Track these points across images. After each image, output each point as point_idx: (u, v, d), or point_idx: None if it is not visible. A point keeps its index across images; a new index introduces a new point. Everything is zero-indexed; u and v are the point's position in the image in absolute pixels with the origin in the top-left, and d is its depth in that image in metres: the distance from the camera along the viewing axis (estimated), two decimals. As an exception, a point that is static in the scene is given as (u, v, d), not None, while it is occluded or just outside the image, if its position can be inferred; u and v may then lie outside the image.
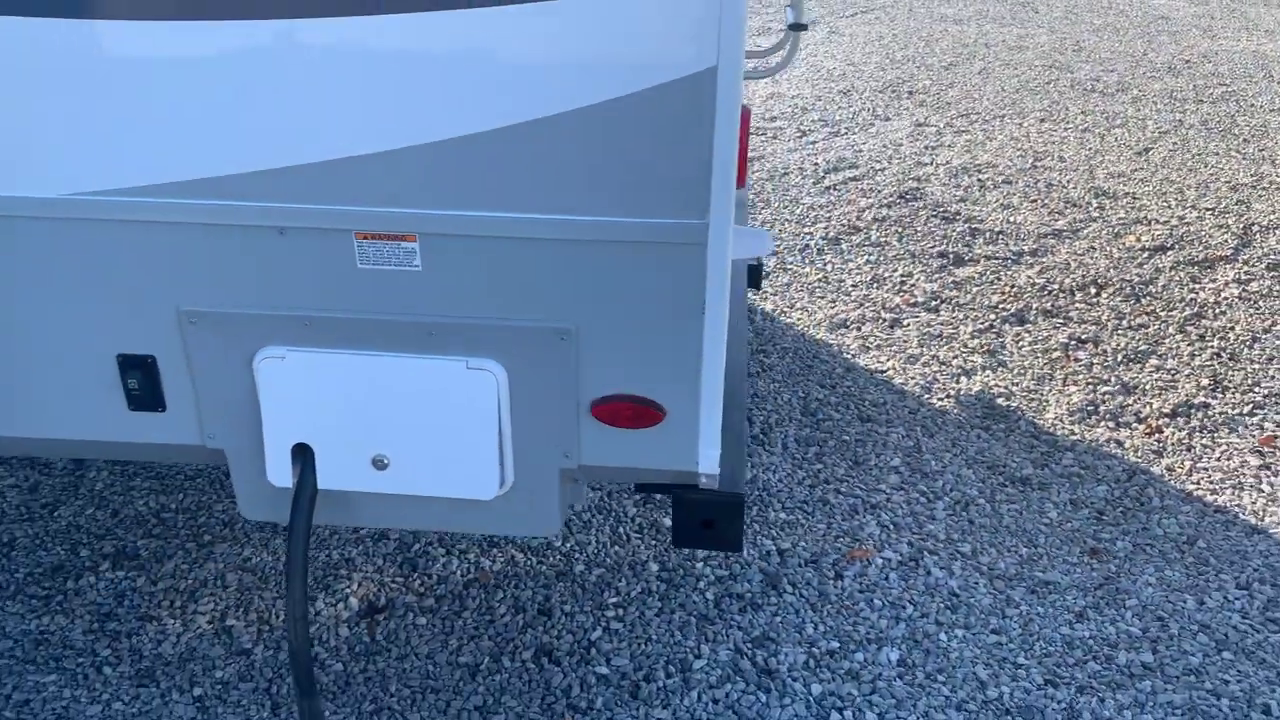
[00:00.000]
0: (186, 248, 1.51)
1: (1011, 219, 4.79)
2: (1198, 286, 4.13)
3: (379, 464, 1.58)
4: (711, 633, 2.40)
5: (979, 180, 5.30)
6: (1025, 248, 4.48)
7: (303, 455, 1.58)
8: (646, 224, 1.41)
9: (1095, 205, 4.97)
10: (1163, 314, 3.91)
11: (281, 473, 1.62)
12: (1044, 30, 9.32)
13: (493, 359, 1.53)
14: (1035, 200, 5.04)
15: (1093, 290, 4.09)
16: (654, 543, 2.69)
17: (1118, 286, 4.12)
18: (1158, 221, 4.76)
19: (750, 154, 5.63)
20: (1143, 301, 4.01)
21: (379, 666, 2.30)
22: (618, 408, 1.52)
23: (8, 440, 1.70)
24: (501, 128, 1.38)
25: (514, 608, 2.46)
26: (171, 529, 2.72)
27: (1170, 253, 4.43)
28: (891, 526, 2.77)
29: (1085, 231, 4.66)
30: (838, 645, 2.37)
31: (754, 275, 2.95)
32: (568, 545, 2.66)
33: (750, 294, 3.95)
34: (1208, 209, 4.91)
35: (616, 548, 2.67)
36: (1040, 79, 7.46)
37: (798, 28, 3.05)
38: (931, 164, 5.54)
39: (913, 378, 3.49)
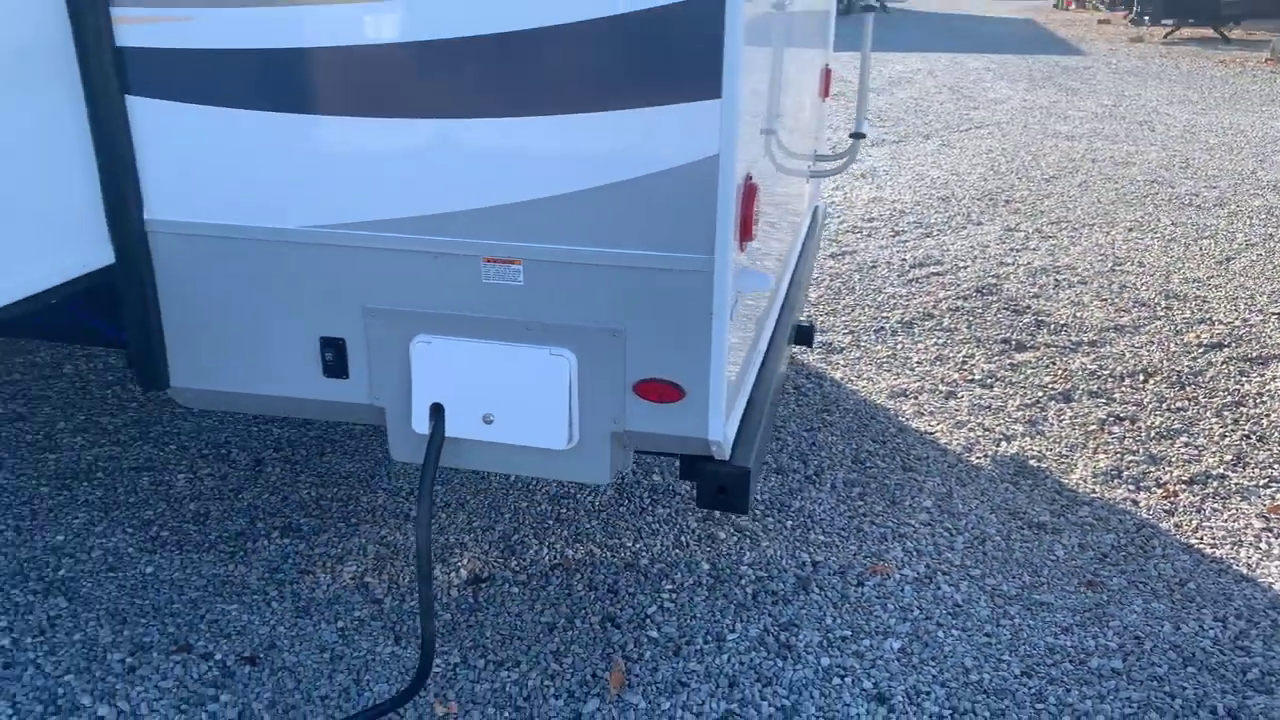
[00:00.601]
0: (371, 264, 2.22)
1: (1078, 314, 5.21)
2: (1244, 379, 4.46)
3: (487, 420, 2.23)
4: (746, 616, 2.92)
5: (1055, 280, 5.73)
6: (1085, 339, 4.89)
7: (437, 412, 2.25)
8: (672, 257, 2.03)
9: (1163, 306, 5.34)
10: (1204, 400, 4.26)
11: (422, 424, 2.29)
12: (1155, 148, 9.62)
13: (568, 348, 2.17)
14: (1105, 299, 5.44)
15: (1141, 377, 4.48)
16: (709, 549, 3.23)
17: (1166, 374, 4.49)
18: (1221, 322, 5.10)
19: (843, 249, 6.22)
20: (1187, 389, 4.37)
21: (478, 619, 2.91)
22: (652, 387, 2.13)
23: (244, 396, 2.43)
24: (579, 190, 2.04)
25: (588, 586, 3.04)
26: (327, 512, 3.42)
27: (1226, 349, 4.77)
28: (914, 552, 3.24)
29: (1147, 328, 5.04)
30: (849, 633, 2.86)
31: (805, 334, 3.53)
32: (637, 545, 3.24)
33: (803, 351, 4.52)
34: (1275, 313, 5.21)
35: (677, 550, 3.23)
36: (1139, 192, 7.82)
37: (857, 136, 3.68)
38: (1013, 264, 6.01)
39: (957, 440, 3.95)
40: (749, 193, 2.06)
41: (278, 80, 2.12)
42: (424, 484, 2.21)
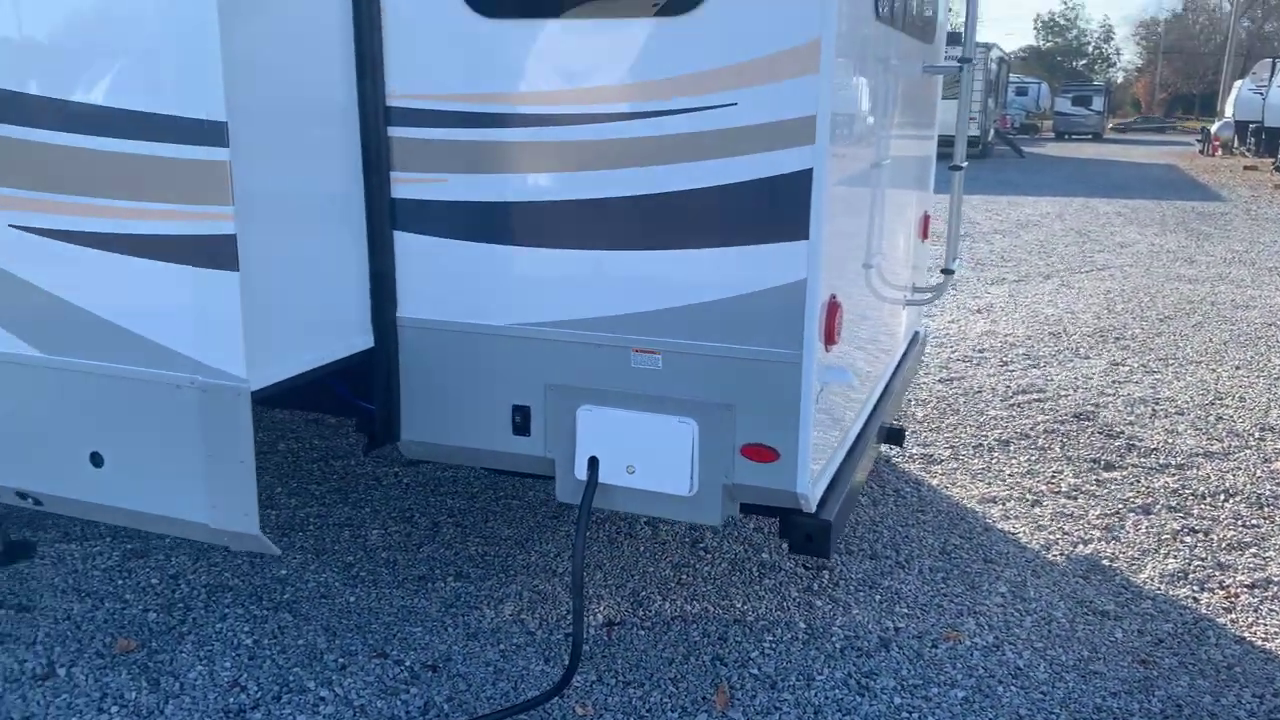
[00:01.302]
0: (552, 352, 3.02)
1: (1170, 441, 5.60)
2: (1324, 503, 4.77)
3: (630, 470, 2.95)
4: (833, 664, 3.48)
5: (1153, 410, 6.13)
6: (1173, 462, 5.29)
7: (593, 463, 2.99)
8: (771, 351, 2.75)
9: (1256, 437, 5.67)
10: (1279, 519, 4.61)
11: (581, 472, 3.03)
12: (1280, 294, 9.80)
13: (692, 418, 2.89)
14: (1200, 430, 5.81)
15: (1222, 497, 4.85)
16: (806, 613, 3.81)
17: (1246, 496, 4.85)
18: (1311, 453, 5.40)
19: (952, 375, 6.77)
20: (1265, 509, 4.72)
21: (611, 651, 3.56)
22: (754, 449, 2.81)
23: (452, 449, 3.23)
24: (704, 301, 2.80)
25: (702, 633, 3.66)
26: (491, 565, 4.16)
27: (1311, 477, 5.08)
28: (986, 626, 3.74)
29: (1236, 455, 5.39)
30: (920, 682, 3.38)
31: (896, 435, 4.14)
32: (745, 606, 3.85)
33: (894, 451, 5.08)
34: (1368, 448, 5.47)
35: (779, 612, 3.82)
36: (1254, 334, 8.09)
37: (947, 272, 4.35)
38: (1114, 394, 6.43)
39: (1037, 540, 4.43)
40: (832, 308, 2.78)
41: (495, 222, 2.99)
42: (581, 518, 2.94)
